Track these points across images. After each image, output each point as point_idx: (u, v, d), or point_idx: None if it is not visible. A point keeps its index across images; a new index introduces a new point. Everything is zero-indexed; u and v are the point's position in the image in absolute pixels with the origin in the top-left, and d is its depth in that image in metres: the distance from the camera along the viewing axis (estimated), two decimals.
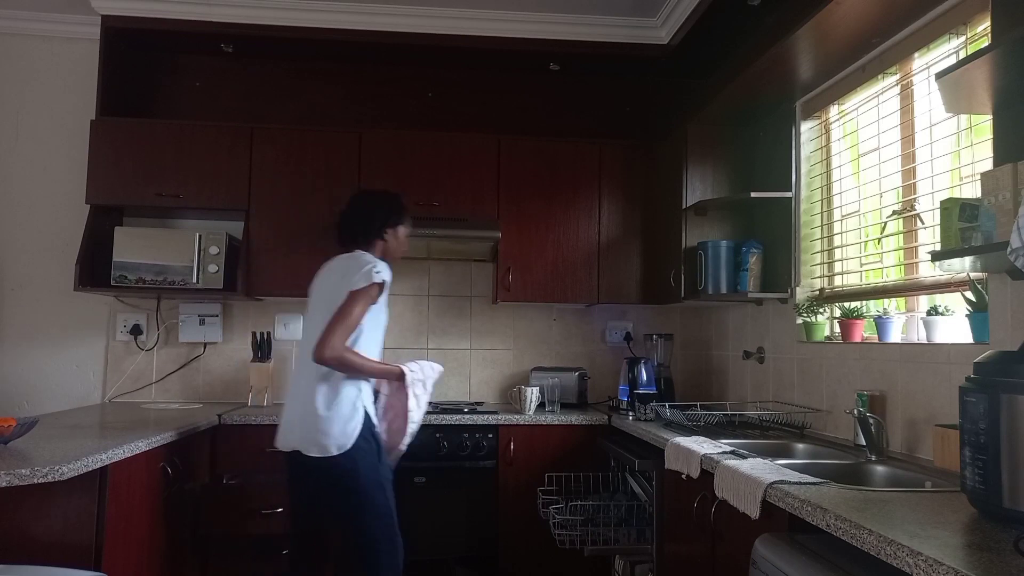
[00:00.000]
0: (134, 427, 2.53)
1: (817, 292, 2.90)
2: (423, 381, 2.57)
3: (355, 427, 2.34)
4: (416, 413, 2.54)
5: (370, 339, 2.45)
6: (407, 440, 2.54)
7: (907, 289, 2.38)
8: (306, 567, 2.52)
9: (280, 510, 2.86)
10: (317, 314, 2.44)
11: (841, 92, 2.74)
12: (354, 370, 2.37)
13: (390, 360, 2.54)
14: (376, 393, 2.55)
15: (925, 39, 2.28)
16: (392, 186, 3.38)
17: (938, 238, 1.99)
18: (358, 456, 2.33)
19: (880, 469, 2.05)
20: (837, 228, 2.83)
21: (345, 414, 2.34)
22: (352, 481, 2.34)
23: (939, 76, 1.71)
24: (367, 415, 2.39)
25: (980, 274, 1.95)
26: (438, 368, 2.65)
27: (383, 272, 2.41)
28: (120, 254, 3.22)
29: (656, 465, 2.53)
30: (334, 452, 2.31)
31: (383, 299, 2.46)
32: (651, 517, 2.63)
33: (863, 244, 2.66)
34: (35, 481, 1.74)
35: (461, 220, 3.36)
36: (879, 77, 2.53)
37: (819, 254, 2.91)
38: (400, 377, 2.51)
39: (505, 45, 3.54)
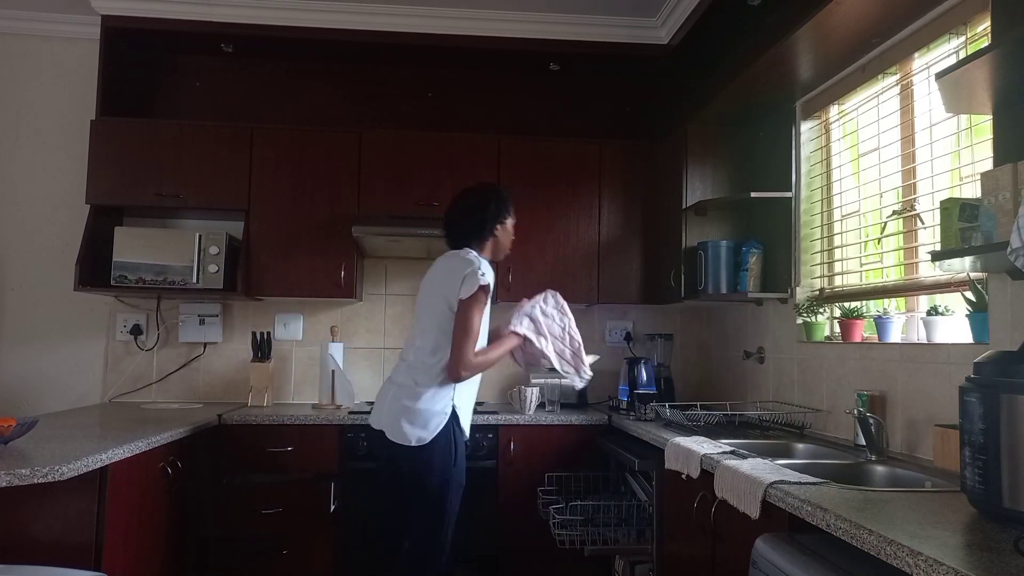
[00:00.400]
0: (134, 427, 2.53)
1: (817, 292, 2.90)
2: (530, 318, 2.57)
3: (438, 424, 2.37)
4: (552, 347, 2.55)
5: (483, 336, 2.48)
6: (586, 365, 2.58)
7: (907, 289, 2.38)
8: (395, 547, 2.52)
9: (281, 510, 2.87)
10: (425, 317, 2.49)
11: (841, 92, 2.74)
12: (487, 367, 2.45)
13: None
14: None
15: (925, 39, 2.28)
16: (392, 186, 3.41)
17: (938, 238, 1.99)
18: (435, 452, 2.36)
19: (880, 469, 2.05)
20: (837, 228, 2.83)
21: (434, 410, 2.38)
22: (425, 476, 2.37)
23: (939, 76, 1.71)
24: (455, 415, 2.42)
25: (980, 274, 1.96)
26: (533, 302, 2.64)
27: (487, 274, 2.41)
28: (120, 254, 3.22)
29: (656, 465, 2.53)
30: (413, 443, 2.35)
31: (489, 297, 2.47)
32: (651, 517, 2.63)
33: (863, 244, 2.66)
34: (35, 481, 1.74)
35: None
36: (879, 77, 2.53)
37: (819, 254, 2.91)
38: (520, 342, 2.55)
39: (505, 45, 3.54)
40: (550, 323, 2.59)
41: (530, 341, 2.55)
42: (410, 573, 2.40)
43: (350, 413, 3.09)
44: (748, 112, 3.14)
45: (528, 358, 2.60)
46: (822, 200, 2.91)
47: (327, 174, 3.39)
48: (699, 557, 2.20)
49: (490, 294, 2.43)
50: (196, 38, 3.47)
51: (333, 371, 3.31)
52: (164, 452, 2.46)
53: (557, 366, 2.55)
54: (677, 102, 3.82)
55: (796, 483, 1.69)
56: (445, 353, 2.39)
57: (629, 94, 3.87)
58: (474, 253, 2.49)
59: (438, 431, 2.36)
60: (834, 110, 2.85)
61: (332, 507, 2.91)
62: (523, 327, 2.56)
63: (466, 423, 2.48)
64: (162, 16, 3.36)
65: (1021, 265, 1.42)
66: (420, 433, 2.35)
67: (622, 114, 3.86)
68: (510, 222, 2.61)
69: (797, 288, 2.93)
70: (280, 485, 2.93)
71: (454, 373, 2.36)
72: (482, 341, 2.46)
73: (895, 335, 2.38)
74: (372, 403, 2.63)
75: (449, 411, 2.39)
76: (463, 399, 2.45)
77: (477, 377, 2.49)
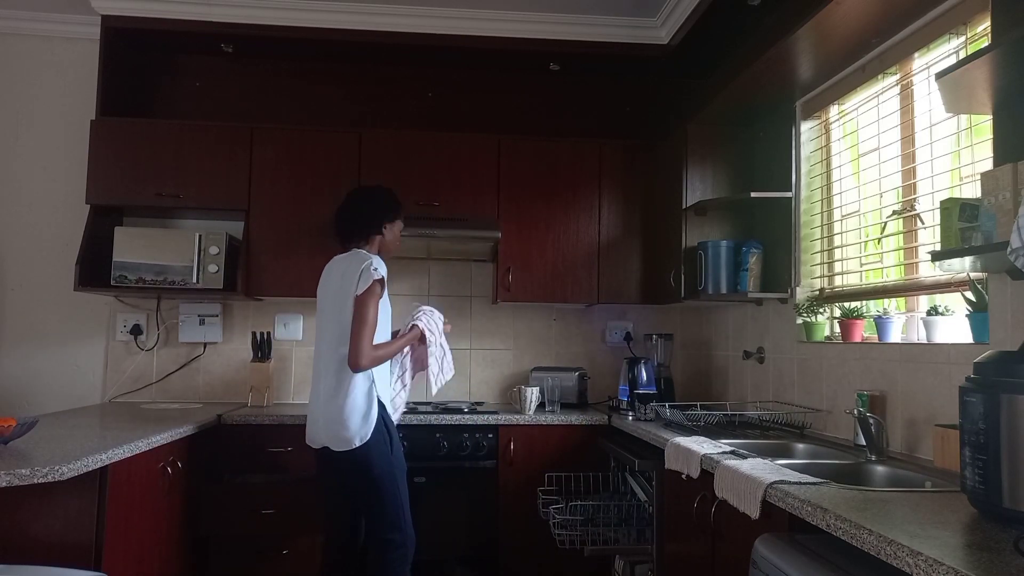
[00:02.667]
0: (134, 427, 2.52)
1: (817, 292, 2.90)
2: (429, 329, 2.74)
3: (373, 418, 2.46)
4: (437, 348, 2.76)
5: (383, 328, 2.57)
6: (447, 373, 2.78)
7: (907, 289, 2.38)
8: (341, 571, 2.59)
9: (280, 510, 2.87)
10: (326, 318, 2.60)
11: (841, 92, 2.74)
12: (387, 358, 2.54)
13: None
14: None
15: (925, 39, 2.28)
16: (392, 186, 3.39)
17: (938, 238, 1.99)
18: (372, 445, 2.44)
19: (880, 469, 2.05)
20: (837, 228, 2.83)
21: (362, 406, 2.45)
22: (369, 468, 2.45)
23: (939, 76, 1.71)
24: (381, 405, 2.50)
25: (980, 274, 1.95)
26: (433, 312, 2.82)
27: (380, 268, 2.53)
28: (120, 254, 3.22)
29: (656, 465, 2.53)
30: (357, 444, 2.43)
31: (386, 290, 2.59)
32: (651, 517, 2.63)
33: (863, 244, 2.66)
34: (35, 481, 1.74)
35: (461, 220, 3.36)
36: (879, 77, 2.53)
37: (819, 254, 2.91)
38: (421, 337, 2.72)
39: (505, 45, 3.54)
40: (433, 335, 2.76)
41: (423, 340, 2.73)
42: (388, 570, 2.46)
43: None
44: (748, 112, 3.14)
45: (417, 355, 2.79)
46: (822, 200, 2.91)
47: (327, 174, 3.39)
48: (699, 557, 2.20)
49: (385, 287, 2.55)
50: (196, 38, 3.47)
51: None
52: (164, 452, 2.46)
53: (435, 367, 2.76)
54: (677, 102, 3.82)
55: (796, 483, 1.69)
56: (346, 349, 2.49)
57: (629, 94, 3.87)
58: (364, 251, 2.62)
59: (373, 424, 2.45)
60: (834, 110, 2.85)
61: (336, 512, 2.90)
62: (422, 324, 2.72)
63: (392, 412, 2.59)
64: (162, 16, 3.36)
65: (1021, 265, 1.42)
66: (361, 432, 2.43)
67: (622, 114, 3.86)
68: (398, 224, 2.79)
69: (797, 288, 2.93)
70: (280, 485, 2.93)
71: (353, 362, 2.43)
72: (384, 335, 2.57)
73: (895, 335, 2.38)
74: None
75: (375, 399, 2.48)
76: (383, 389, 2.54)
77: (386, 367, 2.59)
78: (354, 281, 2.49)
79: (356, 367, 2.43)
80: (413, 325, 2.72)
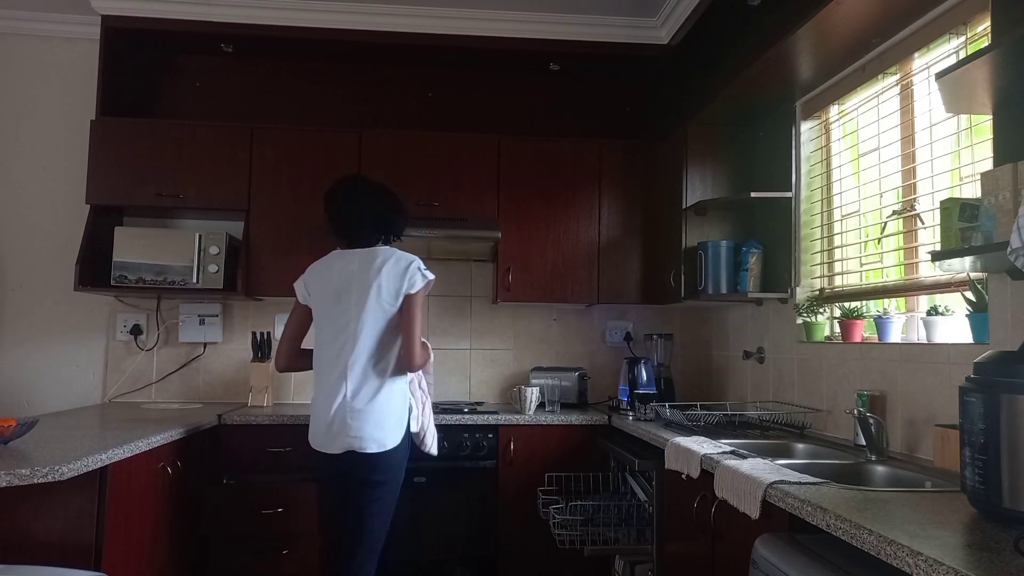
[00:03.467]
0: (134, 427, 2.52)
1: (817, 292, 2.90)
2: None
3: (406, 416, 2.43)
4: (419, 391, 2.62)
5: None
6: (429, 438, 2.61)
7: (907, 289, 2.38)
8: None
9: (280, 510, 2.87)
10: (350, 315, 2.40)
11: (841, 92, 2.74)
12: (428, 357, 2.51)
13: None
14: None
15: (925, 39, 2.28)
16: (392, 186, 3.39)
17: (938, 238, 1.99)
18: (399, 451, 2.39)
19: (880, 469, 2.05)
20: (837, 228, 2.83)
21: (400, 405, 2.41)
22: (390, 475, 2.38)
23: (939, 76, 1.71)
24: (410, 409, 2.47)
25: (980, 274, 1.95)
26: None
27: (429, 269, 2.49)
28: (120, 254, 3.22)
29: (656, 465, 2.53)
30: (390, 445, 2.34)
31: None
32: (651, 517, 2.63)
33: (863, 244, 2.66)
34: (35, 481, 1.74)
35: (461, 220, 3.36)
36: (879, 77, 2.53)
37: (819, 254, 2.91)
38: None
39: (505, 45, 3.54)
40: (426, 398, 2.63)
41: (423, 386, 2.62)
42: (362, 570, 2.39)
43: None
44: (748, 112, 3.14)
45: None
46: (822, 200, 2.91)
47: (327, 174, 3.38)
48: (699, 557, 2.20)
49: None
50: (196, 38, 3.47)
51: None
52: (164, 452, 2.46)
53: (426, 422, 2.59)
54: (677, 102, 3.82)
55: (796, 483, 1.69)
56: (391, 348, 2.41)
57: (629, 94, 3.87)
58: (401, 251, 2.52)
59: (406, 422, 2.41)
60: (834, 110, 2.85)
61: (333, 516, 2.90)
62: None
63: (429, 442, 2.55)
64: (162, 16, 3.36)
65: (1021, 265, 1.42)
66: (397, 431, 2.36)
67: (622, 114, 3.86)
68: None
69: (797, 288, 2.93)
70: (280, 485, 2.93)
71: (411, 362, 2.39)
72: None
73: (895, 335, 2.38)
74: None
75: (408, 399, 2.45)
76: (412, 392, 2.51)
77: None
78: (401, 278, 2.40)
79: (412, 366, 2.39)
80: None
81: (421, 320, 2.43)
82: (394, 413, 2.38)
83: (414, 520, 2.56)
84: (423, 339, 2.46)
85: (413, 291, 2.41)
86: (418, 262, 2.47)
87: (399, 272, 2.43)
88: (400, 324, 2.42)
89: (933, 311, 2.16)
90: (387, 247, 2.55)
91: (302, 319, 2.57)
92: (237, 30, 3.40)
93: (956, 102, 1.83)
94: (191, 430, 2.65)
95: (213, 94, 3.67)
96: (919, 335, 2.32)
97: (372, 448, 2.32)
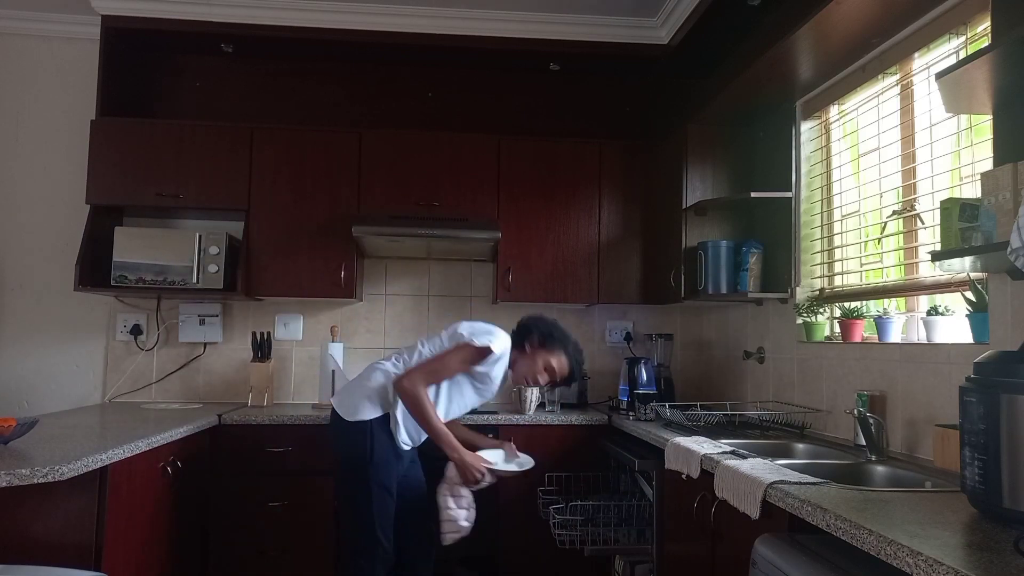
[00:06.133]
0: (134, 427, 2.52)
1: (817, 292, 2.90)
2: (461, 488, 2.56)
3: (373, 411, 2.47)
4: (450, 512, 2.55)
5: (451, 397, 2.56)
6: (451, 535, 2.57)
7: (907, 289, 2.38)
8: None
9: (280, 510, 2.87)
10: (422, 347, 2.59)
11: (841, 92, 2.74)
12: (416, 412, 2.46)
13: None
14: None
15: (925, 39, 2.28)
16: (392, 186, 3.41)
17: (938, 238, 1.99)
18: (376, 439, 2.45)
19: (880, 469, 2.05)
20: (837, 228, 2.83)
21: (369, 391, 2.50)
22: (347, 448, 2.48)
23: (939, 76, 1.71)
24: (395, 420, 2.50)
25: (980, 274, 1.95)
26: (511, 467, 2.64)
27: (497, 344, 2.49)
28: (120, 254, 3.22)
29: (656, 465, 2.53)
30: (344, 415, 2.46)
31: (483, 370, 2.52)
32: (651, 517, 2.63)
33: (863, 244, 2.66)
34: (35, 481, 1.74)
35: (461, 220, 3.36)
36: (879, 77, 2.53)
37: (819, 254, 2.91)
38: (452, 459, 2.52)
39: (505, 45, 3.54)
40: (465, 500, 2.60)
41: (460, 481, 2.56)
42: (351, 561, 2.48)
43: None
44: (748, 112, 3.14)
45: (459, 478, 2.56)
46: (822, 200, 2.91)
47: (327, 174, 3.39)
48: (699, 557, 2.20)
49: (484, 363, 2.49)
50: (196, 38, 3.47)
51: (333, 371, 3.30)
52: (164, 452, 2.46)
53: (456, 516, 2.56)
54: (677, 102, 3.81)
55: (796, 483, 1.69)
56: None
57: (629, 94, 3.87)
58: (501, 331, 2.57)
59: (368, 416, 2.45)
60: (834, 110, 2.85)
61: (333, 507, 2.90)
62: (452, 475, 2.55)
63: (403, 438, 2.54)
64: (162, 16, 3.36)
65: (1021, 265, 1.42)
66: (353, 410, 2.46)
67: (622, 114, 3.86)
68: (541, 360, 2.60)
69: (797, 288, 2.93)
70: (280, 485, 2.93)
71: (398, 382, 2.45)
72: (450, 397, 2.56)
73: (895, 335, 2.38)
74: None
75: (387, 405, 2.49)
76: (405, 414, 2.51)
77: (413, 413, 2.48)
78: (474, 334, 2.50)
79: (398, 383, 2.45)
80: (458, 456, 2.54)
81: (448, 367, 2.47)
82: (365, 392, 2.49)
83: (414, 521, 2.57)
84: (429, 378, 2.47)
85: (466, 340, 2.49)
86: (499, 339, 2.51)
87: (480, 331, 2.52)
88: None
89: (933, 311, 2.16)
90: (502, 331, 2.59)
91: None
92: (237, 30, 3.41)
93: (956, 102, 1.83)
94: (191, 430, 2.65)
95: (213, 94, 3.67)
96: (919, 335, 2.32)
97: (335, 403, 2.54)
